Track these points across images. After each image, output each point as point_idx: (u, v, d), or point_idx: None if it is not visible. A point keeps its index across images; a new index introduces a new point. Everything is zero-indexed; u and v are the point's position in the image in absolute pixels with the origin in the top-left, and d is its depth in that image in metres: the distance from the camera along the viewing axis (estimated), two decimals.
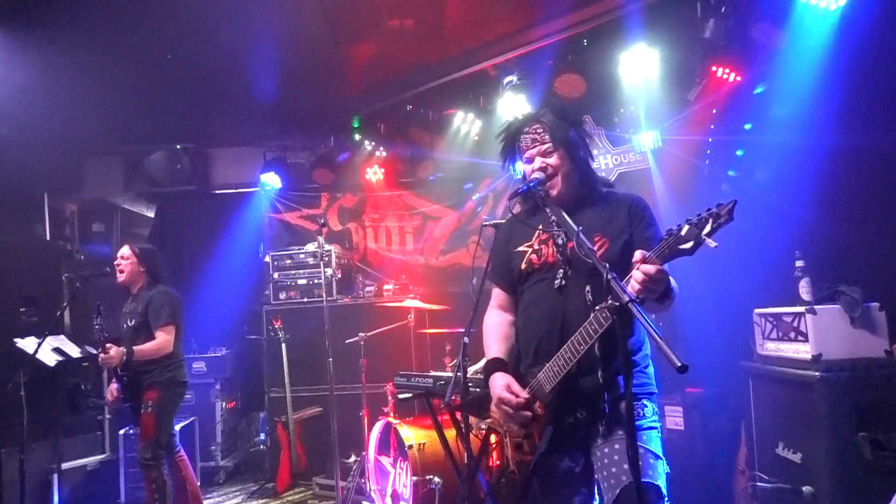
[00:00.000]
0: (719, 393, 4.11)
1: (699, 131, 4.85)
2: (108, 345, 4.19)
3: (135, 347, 4.25)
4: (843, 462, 2.87)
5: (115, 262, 4.59)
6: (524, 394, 2.18)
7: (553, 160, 2.28)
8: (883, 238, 3.25)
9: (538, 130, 2.31)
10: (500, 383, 2.24)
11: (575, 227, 2.01)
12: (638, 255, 1.89)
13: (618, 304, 1.72)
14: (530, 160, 2.32)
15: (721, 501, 3.91)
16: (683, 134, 5.03)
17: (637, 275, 1.83)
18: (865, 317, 3.04)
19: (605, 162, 5.64)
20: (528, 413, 2.17)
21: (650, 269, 1.82)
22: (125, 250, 4.60)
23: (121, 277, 4.55)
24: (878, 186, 3.25)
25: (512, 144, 2.40)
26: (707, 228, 1.71)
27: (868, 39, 3.26)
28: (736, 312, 3.83)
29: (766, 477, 3.35)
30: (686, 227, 1.75)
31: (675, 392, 4.23)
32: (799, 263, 3.32)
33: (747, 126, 4.09)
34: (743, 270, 3.81)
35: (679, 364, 1.51)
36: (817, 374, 2.98)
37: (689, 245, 1.74)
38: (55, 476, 5.00)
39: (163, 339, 4.34)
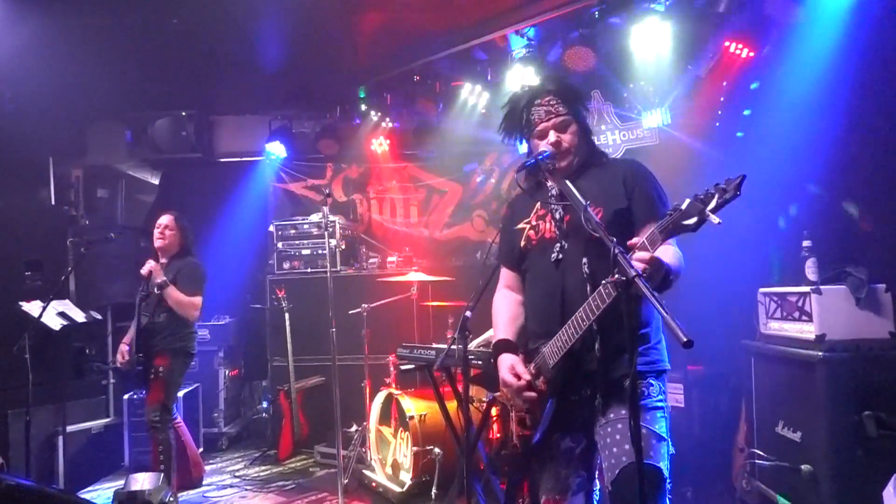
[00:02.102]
0: (721, 371, 4.11)
1: (709, 107, 4.78)
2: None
3: (171, 289, 4.39)
4: (842, 442, 2.88)
5: (158, 229, 4.67)
6: (527, 375, 2.18)
7: (567, 134, 2.24)
8: (891, 220, 3.22)
9: (552, 102, 2.25)
10: (506, 364, 2.24)
11: (583, 202, 1.98)
12: (637, 239, 1.86)
13: (624, 278, 1.70)
14: (543, 134, 2.26)
15: (719, 478, 3.94)
16: (693, 110, 4.96)
17: (637, 266, 1.79)
18: (871, 298, 3.03)
19: (612, 138, 5.57)
20: (533, 394, 2.16)
21: (643, 255, 1.79)
22: (168, 219, 4.70)
23: (160, 243, 4.65)
24: (887, 169, 3.21)
25: (521, 116, 2.33)
26: (712, 204, 1.66)
27: (885, 20, 3.19)
28: (740, 291, 3.82)
29: (764, 455, 3.36)
30: (688, 201, 1.71)
31: (677, 369, 4.23)
32: (806, 244, 3.30)
33: (746, 112, 4.01)
34: (748, 249, 3.79)
35: (685, 339, 1.50)
36: (820, 353, 2.98)
37: (692, 221, 1.70)
38: (60, 438, 5.09)
39: (193, 301, 4.51)
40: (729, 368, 3.97)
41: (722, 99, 4.74)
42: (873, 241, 3.31)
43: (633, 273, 1.67)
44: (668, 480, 2.03)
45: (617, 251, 1.73)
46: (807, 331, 3.14)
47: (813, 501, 3.00)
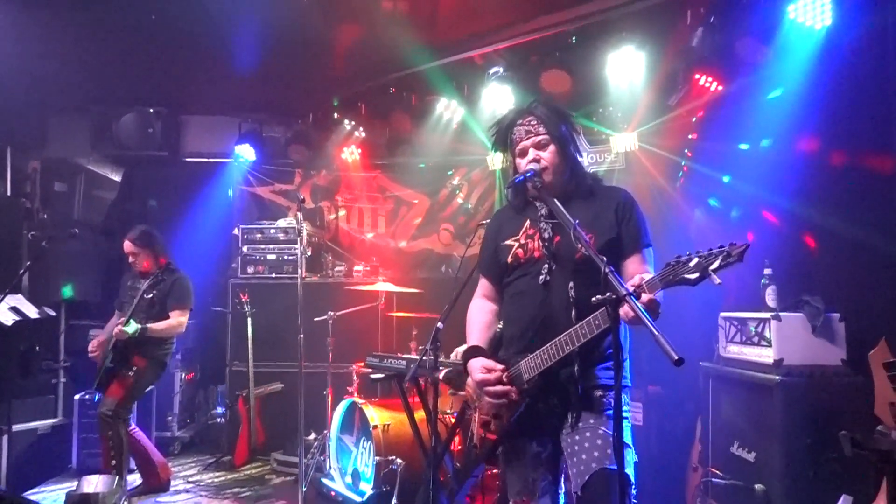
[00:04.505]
0: (679, 392, 4.24)
1: (677, 137, 4.96)
2: (131, 320, 4.33)
3: (149, 325, 4.41)
4: (796, 463, 3.01)
5: (129, 258, 4.69)
6: (499, 367, 2.25)
7: (546, 153, 2.33)
8: (847, 252, 3.40)
9: (532, 122, 2.35)
10: (478, 365, 2.30)
11: (571, 220, 2.06)
12: (636, 279, 1.95)
13: (615, 297, 1.77)
14: (524, 153, 2.36)
15: (673, 496, 4.04)
16: (661, 139, 5.14)
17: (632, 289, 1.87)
18: (826, 326, 3.19)
19: (580, 160, 5.71)
20: (507, 387, 2.22)
21: (645, 298, 1.89)
22: (128, 246, 4.68)
23: (139, 269, 4.68)
24: (846, 204, 3.39)
25: (504, 136, 2.44)
26: (715, 264, 1.76)
27: (851, 60, 3.39)
28: (699, 315, 3.95)
29: (720, 473, 3.49)
30: (695, 260, 1.80)
31: (637, 388, 4.35)
32: (767, 271, 3.46)
33: (743, 146, 4.19)
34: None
35: (676, 357, 1.58)
36: (778, 378, 3.12)
37: (694, 276, 1.80)
38: (4, 438, 4.91)
39: (177, 320, 4.58)
40: (686, 389, 4.10)
41: (689, 128, 4.93)
42: (829, 271, 3.49)
43: (624, 292, 1.75)
44: (633, 485, 2.14)
45: (608, 270, 1.81)
46: (765, 355, 3.28)
47: None
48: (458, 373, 2.64)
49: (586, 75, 5.01)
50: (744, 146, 4.22)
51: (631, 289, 1.84)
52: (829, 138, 3.53)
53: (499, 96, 5.37)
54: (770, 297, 3.40)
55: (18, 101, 5.82)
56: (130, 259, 4.67)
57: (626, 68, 4.78)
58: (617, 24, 4.68)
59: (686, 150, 4.90)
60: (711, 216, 4.58)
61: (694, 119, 4.83)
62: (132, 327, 4.27)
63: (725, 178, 4.42)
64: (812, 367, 3.16)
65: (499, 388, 2.22)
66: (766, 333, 3.29)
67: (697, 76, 4.39)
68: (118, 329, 4.28)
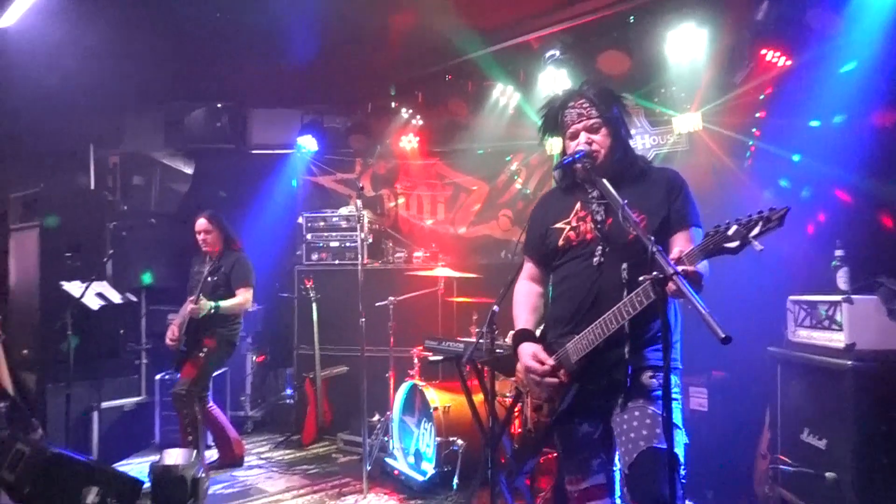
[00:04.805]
0: (745, 377, 4.13)
1: (744, 115, 4.79)
2: (201, 295, 4.58)
3: (220, 303, 4.67)
4: (868, 450, 2.90)
5: (199, 235, 4.92)
6: (550, 361, 2.28)
7: (598, 136, 2.33)
8: None
9: (584, 105, 2.35)
10: (528, 351, 2.33)
11: (620, 200, 2.05)
12: (675, 252, 1.93)
13: (662, 276, 1.77)
14: (575, 135, 2.36)
15: (741, 483, 3.96)
16: (727, 118, 4.97)
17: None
18: None
19: (642, 142, 5.60)
20: (555, 380, 2.25)
21: (688, 269, 1.87)
22: (203, 224, 4.94)
23: (206, 248, 4.95)
24: None
25: (554, 119, 2.43)
26: (755, 231, 1.74)
27: None
28: (768, 298, 3.84)
29: (788, 461, 3.39)
30: (734, 227, 1.78)
31: (701, 373, 4.27)
32: (838, 252, 3.32)
33: (814, 123, 4.03)
34: (778, 257, 3.81)
35: (723, 335, 1.57)
36: (849, 363, 3.00)
37: (734, 244, 1.78)
38: (95, 414, 5.27)
39: (244, 297, 4.82)
40: (754, 375, 3.99)
41: (756, 106, 4.75)
42: None
43: (672, 271, 1.74)
44: (682, 466, 2.14)
45: (655, 249, 1.80)
46: (836, 340, 3.16)
47: None
48: (508, 358, 2.67)
49: (645, 55, 4.87)
50: (815, 123, 4.05)
51: (675, 265, 1.82)
52: None
53: (555, 80, 5.30)
54: (842, 279, 3.27)
55: (99, 101, 6.16)
56: (201, 237, 4.88)
57: (687, 46, 4.63)
58: (676, 1, 4.55)
59: (753, 129, 4.72)
60: (781, 197, 4.42)
61: (761, 96, 4.64)
62: (207, 304, 4.51)
63: (795, 157, 4.26)
64: (886, 351, 3.02)
65: (547, 380, 2.26)
66: (837, 317, 3.17)
67: (763, 51, 4.23)
68: (192, 306, 4.51)
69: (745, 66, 4.50)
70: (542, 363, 2.27)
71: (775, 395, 3.65)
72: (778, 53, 4.19)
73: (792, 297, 3.60)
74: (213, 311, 4.60)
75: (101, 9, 4.71)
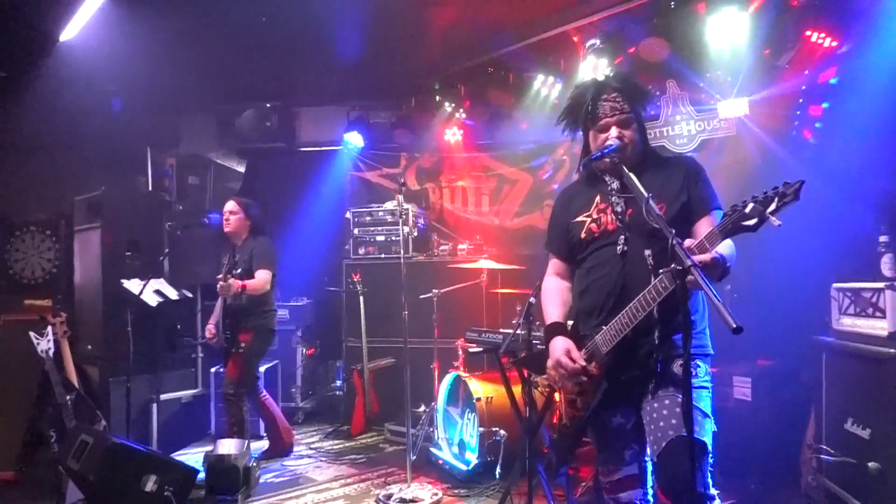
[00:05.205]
0: (791, 366, 4.06)
1: (790, 100, 4.67)
2: (229, 275, 4.61)
3: (247, 289, 4.68)
4: None
5: (224, 216, 5.01)
6: (581, 361, 2.30)
7: (629, 131, 2.35)
8: None
9: (617, 99, 2.35)
10: (560, 347, 2.35)
11: (645, 194, 2.07)
12: (694, 241, 1.95)
13: (680, 268, 1.79)
14: (606, 128, 2.36)
15: (785, 473, 3.90)
16: (773, 101, 4.85)
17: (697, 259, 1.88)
18: None
19: (687, 128, 5.52)
20: (584, 378, 2.28)
21: (704, 258, 1.89)
22: (232, 205, 5.03)
23: (227, 229, 5.00)
24: None
25: (586, 108, 2.42)
26: (772, 206, 1.76)
27: None
28: (812, 286, 3.75)
29: (831, 450, 3.33)
30: (751, 205, 1.79)
31: (746, 363, 4.21)
32: (883, 239, 3.24)
33: (833, 80, 3.93)
34: (823, 244, 3.72)
35: (734, 325, 1.59)
36: (893, 351, 2.93)
37: (752, 222, 1.79)
38: (154, 405, 5.51)
39: (262, 277, 4.78)
40: (799, 363, 3.92)
41: (803, 88, 4.63)
42: None
43: (690, 263, 1.76)
44: (710, 454, 2.15)
45: (675, 242, 1.82)
46: (880, 327, 3.08)
47: (879, 498, 2.96)
48: (537, 356, 2.69)
49: (686, 41, 4.81)
50: (864, 104, 3.91)
51: (694, 252, 1.85)
52: None
53: (596, 69, 5.28)
54: (887, 265, 3.19)
55: (155, 105, 6.46)
56: (224, 217, 4.97)
57: (729, 30, 4.55)
58: None
59: (798, 112, 4.60)
60: (826, 182, 4.30)
61: (808, 79, 4.52)
62: (232, 283, 4.54)
63: (840, 143, 4.13)
64: None
65: (577, 379, 2.29)
66: (881, 304, 3.09)
67: (808, 32, 4.12)
68: (220, 283, 4.54)
69: (790, 48, 4.40)
70: (574, 361, 2.29)
71: (820, 383, 3.58)
72: (823, 35, 4.07)
73: (836, 285, 3.51)
74: (241, 291, 4.61)
75: (154, 18, 4.93)
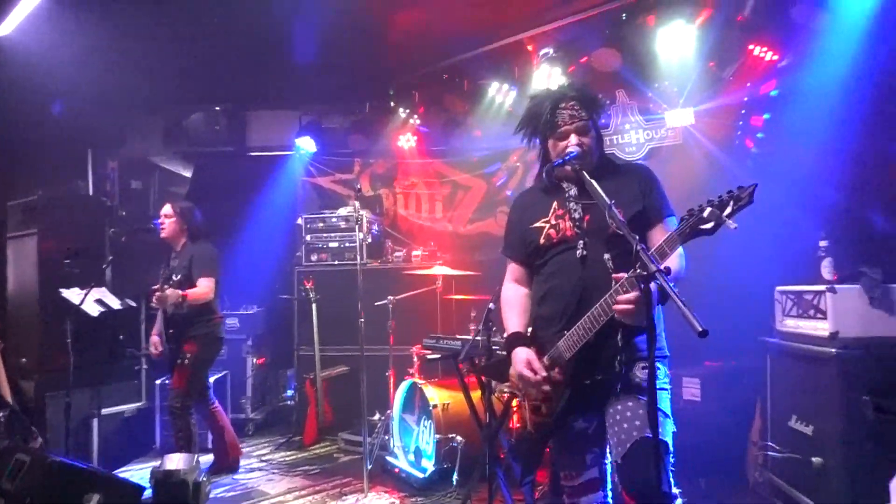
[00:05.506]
0: (737, 367, 4.20)
1: (734, 110, 4.87)
2: (166, 285, 4.41)
3: (188, 291, 4.49)
4: (853, 435, 2.97)
5: (159, 220, 4.84)
6: (543, 371, 2.30)
7: (587, 138, 2.39)
8: None
9: (575, 107, 2.39)
10: (522, 358, 2.36)
11: (608, 200, 2.11)
12: (656, 246, 2.00)
13: (645, 273, 1.83)
14: (565, 136, 2.39)
15: (733, 471, 4.03)
16: (717, 112, 5.04)
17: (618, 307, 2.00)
18: (885, 297, 3.11)
19: (636, 137, 5.67)
20: (548, 388, 2.30)
21: (630, 297, 1.98)
22: (167, 209, 4.85)
23: (163, 233, 4.82)
24: None
25: (545, 118, 2.44)
26: (728, 210, 1.82)
27: None
28: (757, 289, 3.91)
29: (777, 447, 3.46)
30: (708, 209, 1.85)
31: (694, 365, 4.33)
32: (823, 244, 3.40)
33: (773, 92, 4.12)
34: (767, 249, 3.88)
35: (700, 329, 1.62)
36: (834, 350, 3.07)
37: (710, 226, 1.85)
38: (95, 420, 5.27)
39: (205, 285, 4.61)
40: (745, 364, 4.06)
41: (745, 100, 4.82)
42: (888, 242, 3.39)
43: (654, 268, 1.80)
44: (672, 453, 2.21)
45: (639, 247, 1.86)
46: (821, 328, 3.23)
47: (823, 493, 3.09)
48: (499, 363, 2.69)
49: (637, 52, 4.95)
50: (802, 115, 4.10)
51: (657, 258, 1.90)
52: (887, 105, 3.41)
53: (549, 77, 5.37)
54: (826, 269, 3.34)
55: (97, 106, 6.22)
56: (160, 221, 4.79)
57: (678, 43, 4.71)
58: None
59: (740, 123, 4.79)
60: (768, 190, 4.48)
61: (750, 91, 4.72)
62: (173, 293, 4.34)
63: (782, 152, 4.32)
64: (870, 339, 3.10)
65: (541, 388, 2.30)
66: (822, 306, 3.24)
67: (752, 46, 4.30)
68: (157, 294, 4.35)
69: (735, 61, 4.58)
70: (536, 372, 2.30)
71: (765, 383, 3.72)
72: (766, 49, 4.25)
73: (779, 288, 3.67)
74: (182, 301, 4.42)
75: (98, 14, 4.76)
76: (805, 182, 3.98)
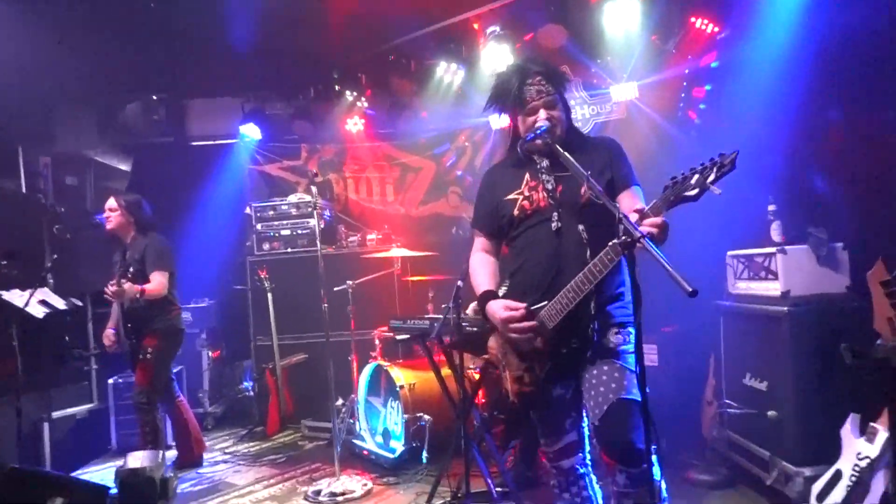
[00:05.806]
0: (691, 331, 4.37)
1: (677, 82, 5.01)
2: (122, 280, 4.27)
3: (144, 294, 4.38)
4: (805, 387, 3.16)
5: (104, 214, 4.67)
6: (521, 306, 2.31)
7: (555, 112, 2.43)
8: (849, 185, 3.49)
9: (542, 82, 2.43)
10: (499, 304, 2.38)
11: (584, 171, 2.16)
12: (638, 209, 2.04)
13: (630, 239, 1.89)
14: (534, 111, 2.43)
15: (690, 431, 4.21)
16: (661, 84, 5.18)
17: (645, 229, 1.97)
18: (831, 256, 3.30)
19: (581, 112, 5.78)
20: (533, 322, 2.29)
21: (657, 220, 2.00)
22: (111, 202, 4.70)
23: (109, 226, 4.67)
24: (846, 138, 3.47)
25: (513, 94, 2.46)
26: (711, 176, 1.88)
27: None
28: (709, 255, 4.05)
29: (734, 404, 3.64)
30: (695, 176, 1.91)
31: (651, 331, 4.48)
32: (771, 207, 3.56)
33: (714, 64, 4.28)
34: (716, 215, 4.03)
35: (690, 289, 1.70)
36: (786, 308, 3.24)
37: (694, 192, 1.91)
38: (46, 425, 5.10)
39: (157, 280, 4.50)
40: (700, 328, 4.22)
41: (687, 72, 4.97)
42: (832, 203, 3.58)
43: (639, 234, 1.86)
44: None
45: (622, 215, 1.92)
46: (773, 288, 3.40)
47: (778, 443, 3.28)
48: (477, 335, 2.72)
49: (581, 27, 5.04)
50: (744, 85, 4.26)
51: (636, 219, 1.96)
52: (826, 74, 3.58)
53: (497, 55, 5.40)
54: (775, 231, 3.51)
55: (24, 98, 5.89)
56: (105, 214, 4.65)
57: (623, 17, 4.80)
58: None
59: (682, 95, 4.95)
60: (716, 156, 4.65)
61: (692, 63, 4.87)
62: (130, 288, 4.25)
63: (724, 121, 4.48)
64: (818, 295, 3.28)
65: (525, 324, 2.29)
66: (773, 267, 3.40)
67: (693, 19, 4.43)
68: (112, 288, 4.22)
69: (677, 33, 4.71)
70: (516, 308, 2.31)
71: (719, 345, 3.90)
72: (707, 21, 4.39)
73: (730, 253, 3.82)
74: (140, 296, 4.34)
75: (28, 3, 4.52)
76: (750, 150, 4.12)
